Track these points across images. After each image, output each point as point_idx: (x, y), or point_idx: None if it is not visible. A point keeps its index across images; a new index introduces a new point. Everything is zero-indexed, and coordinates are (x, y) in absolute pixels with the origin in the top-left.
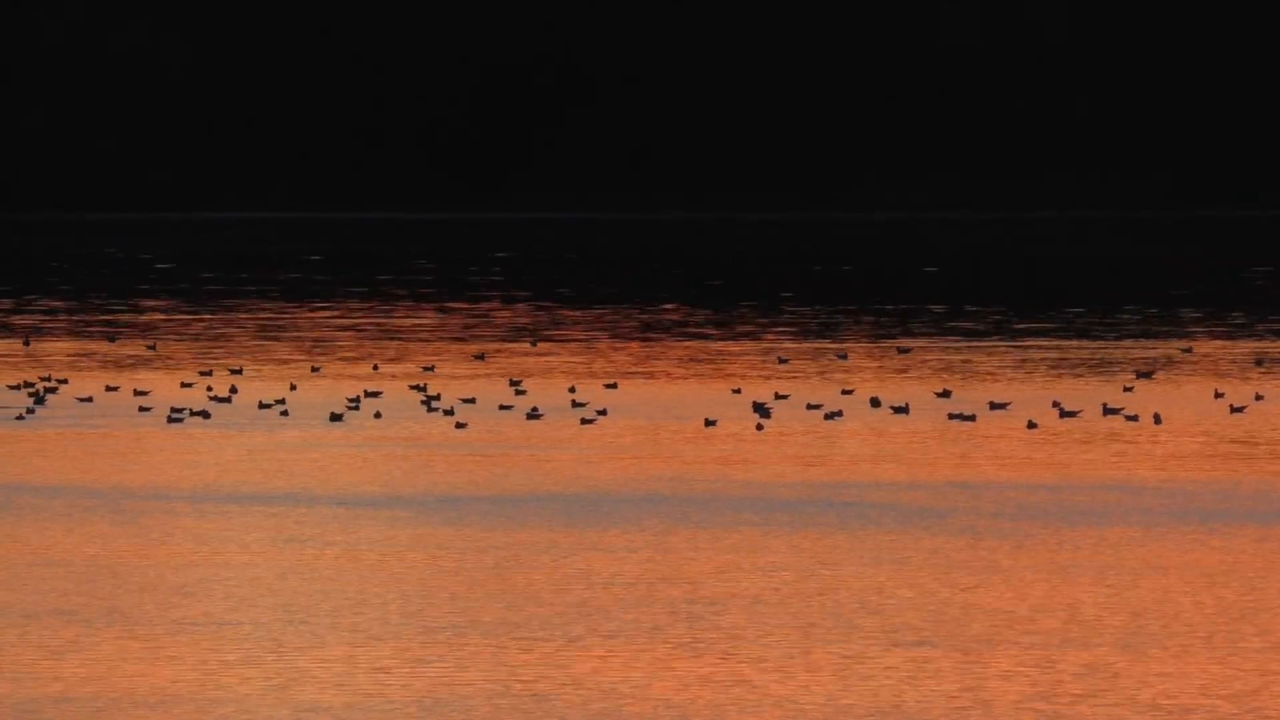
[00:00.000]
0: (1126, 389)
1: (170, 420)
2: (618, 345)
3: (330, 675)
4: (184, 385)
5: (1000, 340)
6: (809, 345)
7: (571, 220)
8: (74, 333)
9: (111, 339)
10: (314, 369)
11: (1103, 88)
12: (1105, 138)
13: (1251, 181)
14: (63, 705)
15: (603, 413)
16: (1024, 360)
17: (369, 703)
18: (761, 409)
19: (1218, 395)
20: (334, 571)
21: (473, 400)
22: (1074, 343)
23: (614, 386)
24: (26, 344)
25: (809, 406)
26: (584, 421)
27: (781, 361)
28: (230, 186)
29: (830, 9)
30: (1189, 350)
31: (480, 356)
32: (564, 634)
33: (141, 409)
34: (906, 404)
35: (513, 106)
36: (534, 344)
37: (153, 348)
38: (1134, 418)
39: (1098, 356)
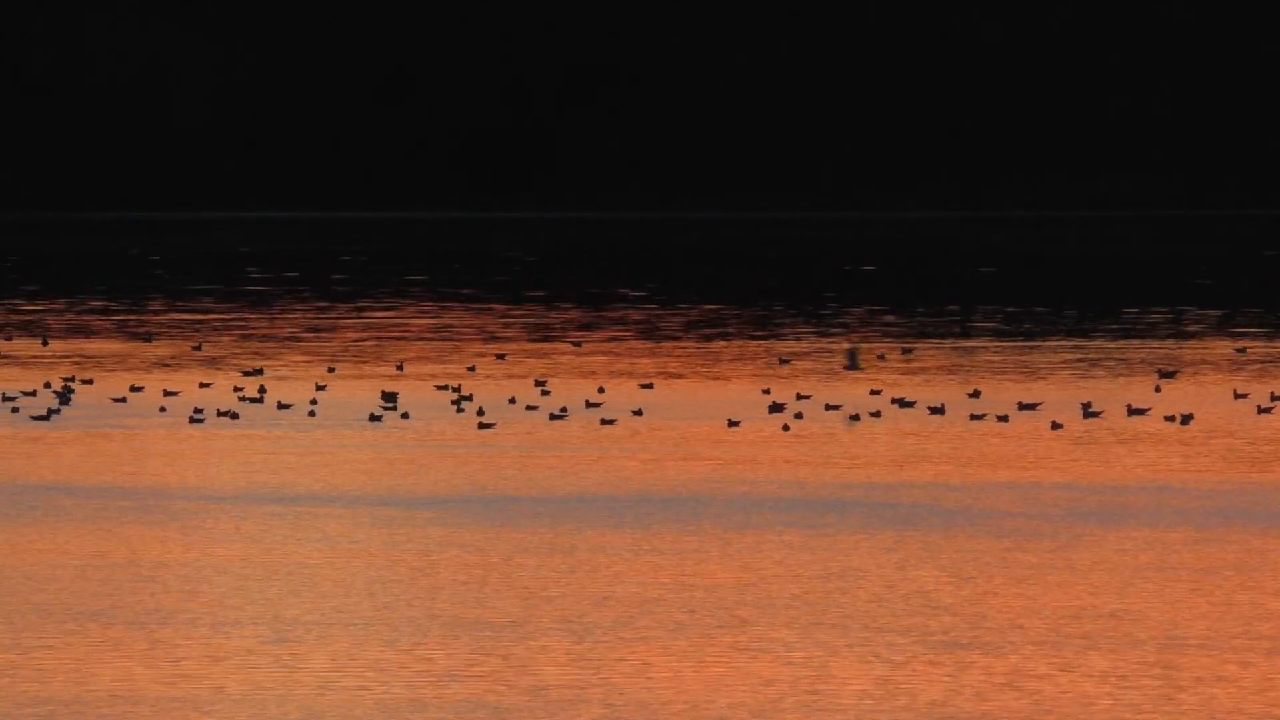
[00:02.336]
0: (1157, 389)
1: (191, 421)
2: (651, 345)
3: (368, 675)
4: (202, 385)
5: (1021, 341)
6: (858, 344)
7: (594, 220)
8: (109, 332)
9: (148, 339)
10: (330, 369)
11: (1107, 88)
12: (1111, 137)
13: (1267, 179)
14: (98, 706)
15: (638, 413)
16: (1050, 361)
17: (409, 704)
18: (780, 409)
19: (1238, 396)
20: (374, 572)
21: (513, 400)
22: (1098, 342)
23: (649, 387)
24: (45, 343)
25: (828, 407)
26: (604, 422)
27: (783, 362)
28: (250, 187)
29: (849, 12)
30: (1243, 351)
31: (501, 357)
32: (598, 636)
33: (161, 409)
34: (943, 404)
35: (534, 108)
36: (578, 345)
37: (199, 348)
38: (1175, 419)
39: (1122, 357)
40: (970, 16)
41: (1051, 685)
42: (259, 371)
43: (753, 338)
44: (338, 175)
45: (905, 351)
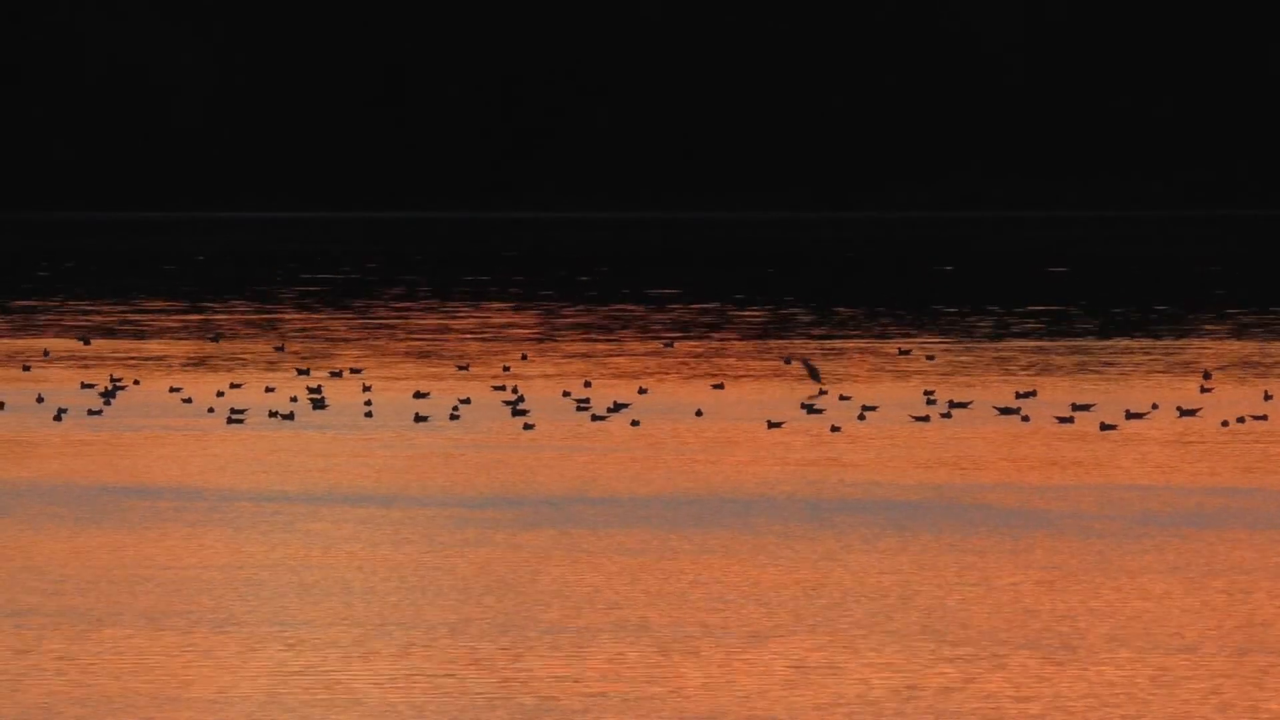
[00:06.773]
0: (1205, 390)
1: (229, 421)
2: (697, 345)
3: (414, 681)
4: (234, 386)
5: (1046, 341)
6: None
7: (594, 220)
8: (177, 332)
9: (216, 338)
10: (358, 370)
11: (1107, 88)
12: (1111, 137)
13: (1267, 179)
14: (140, 708)
15: (699, 414)
16: (1093, 361)
17: (439, 704)
18: (816, 411)
19: (1267, 397)
20: (408, 576)
21: (586, 401)
22: (1140, 342)
23: (720, 387)
24: (86, 343)
25: (865, 408)
26: (633, 423)
27: (786, 361)
28: (250, 187)
29: (848, 12)
30: None
31: (524, 357)
32: (638, 639)
33: (210, 410)
34: (1019, 407)
35: (530, 108)
36: (669, 345)
37: (280, 349)
38: (1257, 417)
39: (1165, 357)
40: (970, 16)
41: (1152, 690)
42: (333, 375)
43: (757, 337)
44: (338, 175)
45: (902, 352)
